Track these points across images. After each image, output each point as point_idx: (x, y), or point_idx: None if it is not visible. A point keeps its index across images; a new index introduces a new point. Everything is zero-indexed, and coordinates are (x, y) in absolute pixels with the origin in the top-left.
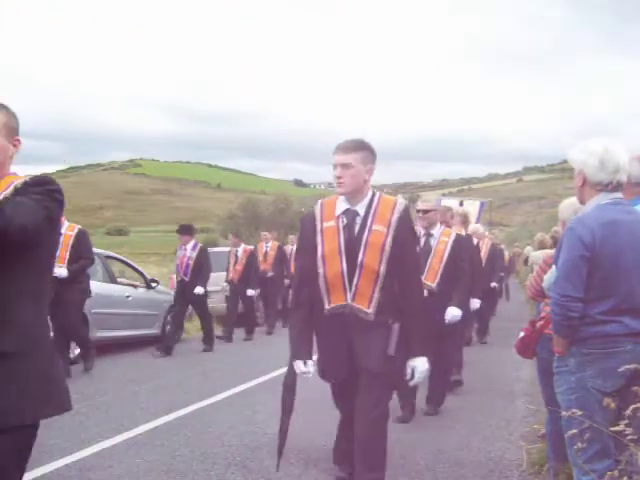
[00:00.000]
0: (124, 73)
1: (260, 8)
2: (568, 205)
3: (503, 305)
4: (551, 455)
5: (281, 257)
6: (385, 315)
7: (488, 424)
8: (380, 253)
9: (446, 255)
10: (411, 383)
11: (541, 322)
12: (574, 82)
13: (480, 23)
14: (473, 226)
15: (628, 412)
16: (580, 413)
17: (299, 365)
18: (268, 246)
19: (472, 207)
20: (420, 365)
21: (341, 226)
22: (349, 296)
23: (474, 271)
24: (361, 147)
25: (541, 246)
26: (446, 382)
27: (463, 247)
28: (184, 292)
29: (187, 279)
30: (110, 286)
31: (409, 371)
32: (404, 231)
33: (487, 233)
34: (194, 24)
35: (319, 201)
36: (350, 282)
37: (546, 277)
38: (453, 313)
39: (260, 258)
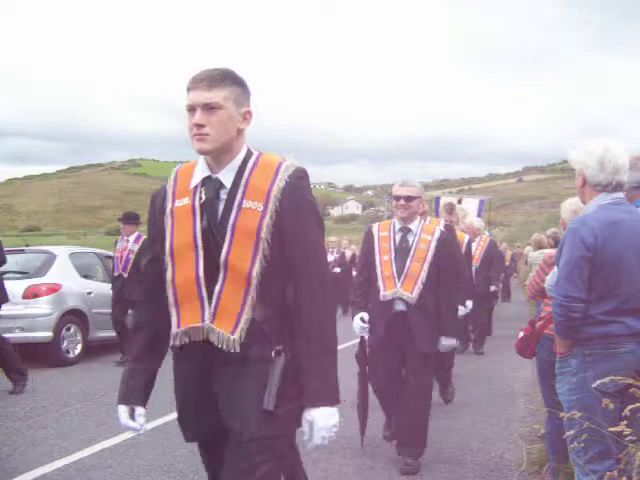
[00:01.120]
0: (124, 73)
1: (260, 8)
2: (569, 205)
3: (503, 305)
4: (551, 455)
5: None
6: (264, 344)
7: (488, 424)
8: (253, 245)
9: (429, 256)
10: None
11: (541, 322)
12: (574, 82)
13: (480, 22)
14: (469, 220)
15: (626, 412)
16: (580, 414)
17: (120, 415)
18: None
19: (471, 205)
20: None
21: (197, 204)
22: (207, 314)
23: (457, 271)
24: (232, 79)
25: (539, 246)
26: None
27: (449, 244)
28: (123, 291)
29: (126, 275)
30: (110, 286)
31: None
32: (292, 207)
33: (486, 233)
34: (194, 24)
35: (175, 168)
36: (210, 292)
37: (548, 277)
38: (445, 343)
39: None
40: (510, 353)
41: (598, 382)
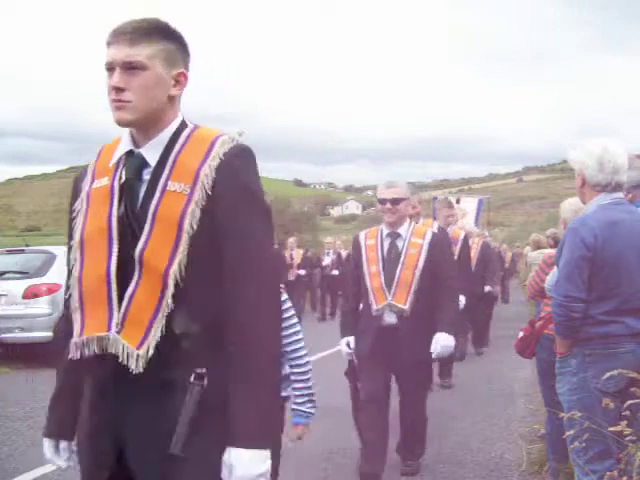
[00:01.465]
0: None
1: (260, 7)
2: (569, 205)
3: (502, 306)
4: (551, 455)
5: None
6: (181, 364)
7: (488, 424)
8: (174, 237)
9: (421, 262)
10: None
11: (540, 322)
12: (574, 82)
13: (480, 22)
14: (462, 223)
15: (626, 412)
16: (581, 414)
17: (44, 449)
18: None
19: (470, 204)
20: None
21: (116, 185)
22: (115, 321)
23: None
24: (162, 33)
25: (537, 246)
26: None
27: (442, 247)
28: None
29: None
30: None
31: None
32: (228, 194)
33: (486, 233)
34: (194, 23)
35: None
36: (121, 293)
37: (548, 277)
38: (443, 342)
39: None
40: (510, 353)
41: (604, 377)
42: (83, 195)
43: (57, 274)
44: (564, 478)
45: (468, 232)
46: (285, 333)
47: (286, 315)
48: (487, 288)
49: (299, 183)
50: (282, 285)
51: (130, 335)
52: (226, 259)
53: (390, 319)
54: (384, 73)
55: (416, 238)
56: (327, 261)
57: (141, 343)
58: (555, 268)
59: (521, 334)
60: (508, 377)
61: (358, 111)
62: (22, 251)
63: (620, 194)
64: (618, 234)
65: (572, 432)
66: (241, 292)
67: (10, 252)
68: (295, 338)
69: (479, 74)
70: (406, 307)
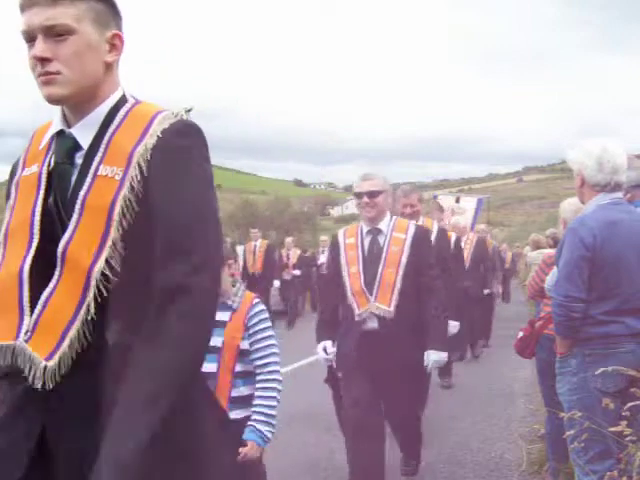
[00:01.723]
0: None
1: (260, 7)
2: (569, 205)
3: (502, 306)
4: (551, 455)
5: (269, 258)
6: (114, 380)
7: (488, 424)
8: (102, 229)
9: (404, 259)
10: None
11: (540, 322)
12: (574, 82)
13: (480, 22)
14: (455, 219)
15: (626, 412)
16: (581, 414)
17: None
18: (257, 245)
19: (469, 203)
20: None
21: (44, 172)
22: (24, 328)
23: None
24: None
25: (536, 246)
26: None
27: (428, 242)
28: None
29: None
30: None
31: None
32: (166, 177)
33: (489, 231)
34: (194, 23)
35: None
36: (35, 295)
37: (548, 277)
38: (434, 357)
39: (249, 258)
40: (510, 353)
41: (597, 372)
42: (13, 184)
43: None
44: (564, 478)
45: (462, 228)
46: (259, 347)
47: (263, 334)
48: (486, 291)
49: (299, 183)
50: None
51: (40, 344)
52: (154, 246)
53: (373, 323)
54: (384, 73)
55: (398, 233)
56: (322, 259)
57: (51, 354)
58: (555, 268)
59: (521, 334)
60: (508, 377)
61: (358, 111)
62: None
63: (619, 194)
64: (617, 234)
65: (572, 432)
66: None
67: None
68: (271, 360)
69: (479, 74)
70: (390, 309)
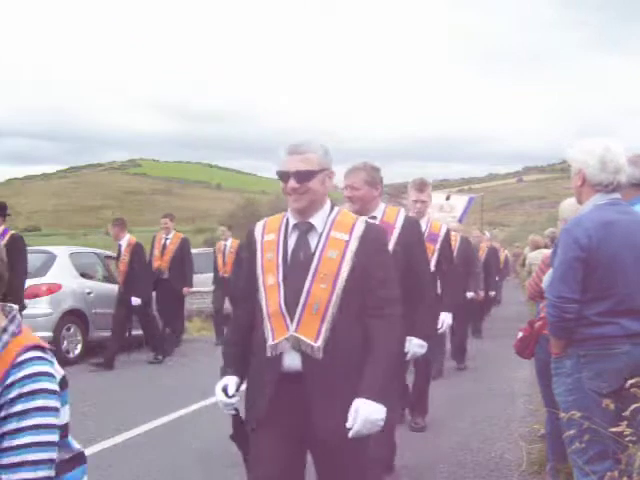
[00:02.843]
0: (124, 73)
1: (260, 7)
2: (569, 205)
3: (502, 306)
4: (551, 455)
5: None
6: None
7: (488, 424)
8: None
9: (345, 271)
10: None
11: (540, 323)
12: (574, 82)
13: (480, 22)
14: (435, 217)
15: (627, 413)
16: (580, 415)
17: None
18: (227, 244)
19: (459, 202)
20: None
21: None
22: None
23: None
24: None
25: (535, 246)
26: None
27: (418, 234)
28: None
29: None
30: (110, 286)
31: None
32: None
33: (487, 234)
34: (194, 23)
35: None
36: None
37: (545, 277)
38: (416, 345)
39: (219, 259)
40: (510, 353)
41: (595, 374)
42: None
43: (57, 274)
44: (564, 478)
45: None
46: (7, 447)
47: (19, 423)
48: (469, 294)
49: None
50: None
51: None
52: None
53: (292, 363)
54: (384, 73)
55: (338, 232)
56: None
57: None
58: (551, 269)
59: (520, 334)
60: (508, 377)
61: (358, 111)
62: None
63: (618, 195)
64: (613, 234)
65: (571, 433)
66: None
67: None
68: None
69: (479, 74)
70: (317, 344)
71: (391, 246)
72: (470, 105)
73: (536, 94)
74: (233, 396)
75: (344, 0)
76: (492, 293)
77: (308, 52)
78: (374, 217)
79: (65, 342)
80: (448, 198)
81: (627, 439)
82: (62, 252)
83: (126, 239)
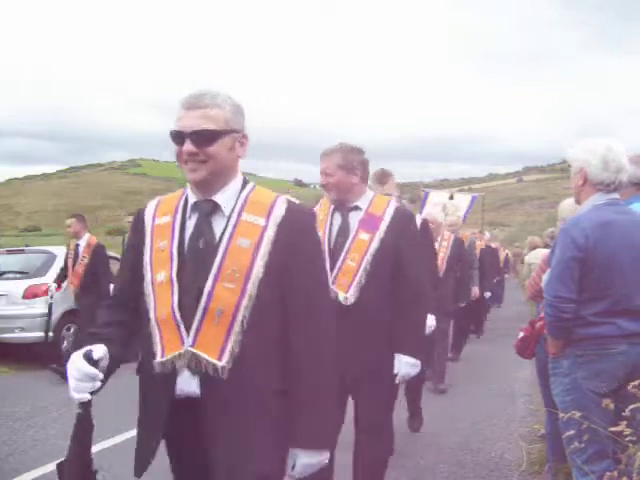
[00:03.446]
0: (124, 73)
1: (260, 8)
2: (569, 205)
3: (502, 306)
4: (551, 455)
5: None
6: None
7: (488, 424)
8: None
9: (259, 264)
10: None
11: (540, 322)
12: (574, 82)
13: (480, 22)
14: (426, 212)
15: (627, 413)
16: (580, 415)
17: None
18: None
19: (462, 200)
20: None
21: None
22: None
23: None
24: None
25: (533, 247)
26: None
27: (410, 229)
28: None
29: None
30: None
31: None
32: None
33: (487, 234)
34: (194, 23)
35: None
36: None
37: (544, 277)
38: (407, 364)
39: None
40: (510, 353)
41: (592, 374)
42: None
43: (57, 274)
44: (564, 478)
45: (438, 224)
46: None
47: None
48: (462, 305)
49: (299, 183)
50: None
51: None
52: None
53: (190, 387)
54: (384, 73)
55: (252, 214)
56: None
57: None
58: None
59: (521, 334)
60: (508, 377)
61: (358, 111)
62: (22, 251)
63: (616, 195)
64: (611, 234)
65: (569, 433)
66: None
67: (10, 252)
68: None
69: (479, 74)
70: (222, 363)
71: (375, 244)
72: (470, 105)
73: (536, 94)
74: (98, 362)
75: (344, 0)
76: (487, 294)
77: (308, 52)
78: (357, 208)
79: (65, 342)
80: (452, 197)
81: (627, 439)
82: (62, 252)
83: (85, 238)
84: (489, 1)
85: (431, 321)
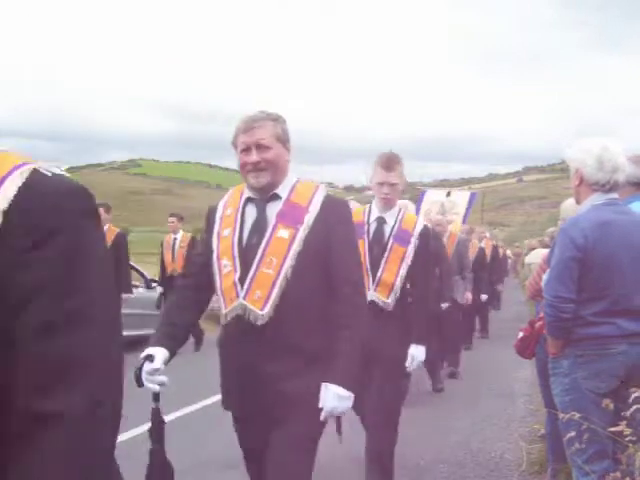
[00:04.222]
0: (125, 73)
1: (260, 7)
2: (570, 205)
3: (502, 306)
4: (551, 455)
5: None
6: None
7: (488, 424)
8: None
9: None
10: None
11: (540, 322)
12: (574, 82)
13: (480, 22)
14: (425, 212)
15: (628, 413)
16: (580, 415)
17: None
18: (177, 238)
19: (461, 198)
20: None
21: None
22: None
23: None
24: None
25: (530, 248)
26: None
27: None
28: None
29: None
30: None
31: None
32: None
33: (487, 234)
34: (194, 23)
35: None
36: None
37: (544, 277)
38: (335, 396)
39: (167, 255)
40: (510, 353)
41: (592, 374)
42: None
43: None
44: (564, 478)
45: (437, 222)
46: None
47: None
48: (444, 305)
49: None
50: None
51: None
52: None
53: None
54: (384, 73)
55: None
56: None
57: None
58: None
59: (521, 334)
60: (508, 377)
61: (358, 111)
62: None
63: (615, 195)
64: (610, 234)
65: (570, 433)
66: None
67: None
68: None
69: (479, 74)
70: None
71: (298, 244)
72: (470, 105)
73: (536, 94)
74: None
75: (344, 0)
76: (484, 297)
77: (308, 52)
78: (277, 197)
79: None
80: (449, 194)
81: (627, 439)
82: None
83: (106, 228)
84: (489, 1)
85: (419, 353)
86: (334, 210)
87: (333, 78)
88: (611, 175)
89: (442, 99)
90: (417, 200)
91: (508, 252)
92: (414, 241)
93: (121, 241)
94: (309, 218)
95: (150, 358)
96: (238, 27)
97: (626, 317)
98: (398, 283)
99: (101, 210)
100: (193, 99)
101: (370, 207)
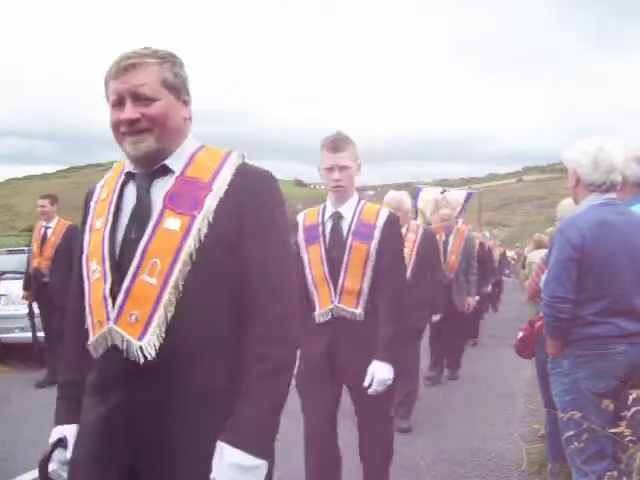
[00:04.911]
0: None
1: (260, 7)
2: (568, 205)
3: (502, 306)
4: (551, 455)
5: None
6: None
7: (488, 424)
8: None
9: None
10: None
11: (540, 322)
12: (574, 82)
13: (480, 22)
14: (389, 197)
15: (628, 414)
16: (580, 415)
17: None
18: (50, 227)
19: (457, 196)
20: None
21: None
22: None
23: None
24: None
25: (537, 246)
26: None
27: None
28: None
29: None
30: None
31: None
32: None
33: (487, 234)
34: (194, 23)
35: None
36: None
37: (543, 277)
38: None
39: (34, 248)
40: (510, 353)
41: (591, 374)
42: None
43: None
44: (564, 478)
45: (404, 212)
46: None
47: None
48: (435, 317)
49: (299, 183)
50: None
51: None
52: None
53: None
54: (384, 73)
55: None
56: None
57: None
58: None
59: (520, 334)
60: (508, 377)
61: (358, 111)
62: (22, 251)
63: (613, 194)
64: (608, 234)
65: (569, 433)
66: None
67: (10, 252)
68: None
69: (479, 74)
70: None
71: (192, 242)
72: (470, 105)
73: (536, 94)
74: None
75: (344, 0)
76: (476, 298)
77: (308, 52)
78: (167, 170)
79: None
80: (443, 192)
81: (627, 439)
82: None
83: (55, 221)
84: (489, 1)
85: (383, 372)
86: (250, 186)
87: (333, 78)
88: (607, 176)
89: (442, 99)
90: (412, 198)
91: (509, 253)
92: (377, 235)
93: (73, 235)
94: (212, 200)
95: (62, 443)
96: (238, 26)
97: (625, 317)
98: (365, 288)
99: (46, 202)
100: (194, 99)
101: (325, 205)
